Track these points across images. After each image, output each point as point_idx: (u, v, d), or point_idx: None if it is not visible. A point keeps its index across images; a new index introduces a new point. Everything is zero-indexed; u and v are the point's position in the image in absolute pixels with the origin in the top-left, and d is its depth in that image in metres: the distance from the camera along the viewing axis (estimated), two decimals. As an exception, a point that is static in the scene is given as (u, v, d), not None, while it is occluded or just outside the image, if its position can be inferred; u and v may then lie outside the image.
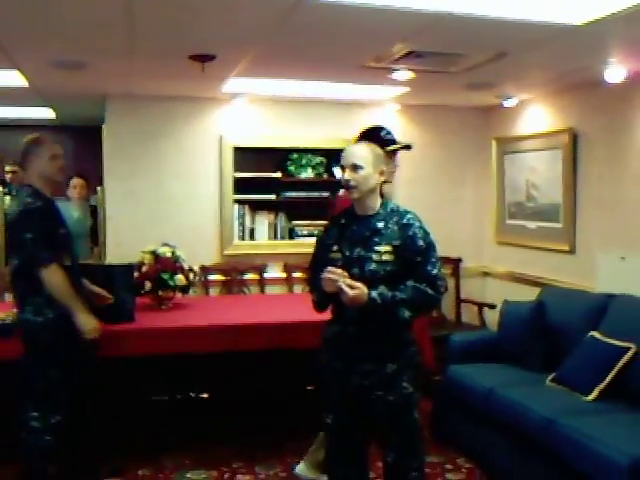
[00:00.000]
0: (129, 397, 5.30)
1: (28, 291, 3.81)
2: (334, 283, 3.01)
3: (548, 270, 5.93)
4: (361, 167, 3.14)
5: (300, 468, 4.11)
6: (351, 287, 2.98)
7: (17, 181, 6.75)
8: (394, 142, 3.88)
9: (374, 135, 3.75)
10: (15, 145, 8.05)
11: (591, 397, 4.03)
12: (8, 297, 5.66)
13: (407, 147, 3.96)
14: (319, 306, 3.32)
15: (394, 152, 3.88)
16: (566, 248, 5.70)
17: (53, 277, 3.73)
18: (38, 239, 3.73)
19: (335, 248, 3.20)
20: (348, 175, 3.14)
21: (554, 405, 3.96)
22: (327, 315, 3.30)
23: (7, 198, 6.14)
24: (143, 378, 5.21)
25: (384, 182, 3.31)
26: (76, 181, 6.75)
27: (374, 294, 3.01)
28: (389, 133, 3.90)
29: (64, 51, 4.43)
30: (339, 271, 3.03)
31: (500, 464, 4.21)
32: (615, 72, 4.68)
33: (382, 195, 3.26)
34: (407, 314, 3.10)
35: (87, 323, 3.81)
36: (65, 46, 4.30)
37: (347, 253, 3.15)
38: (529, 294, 5.48)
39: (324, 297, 3.20)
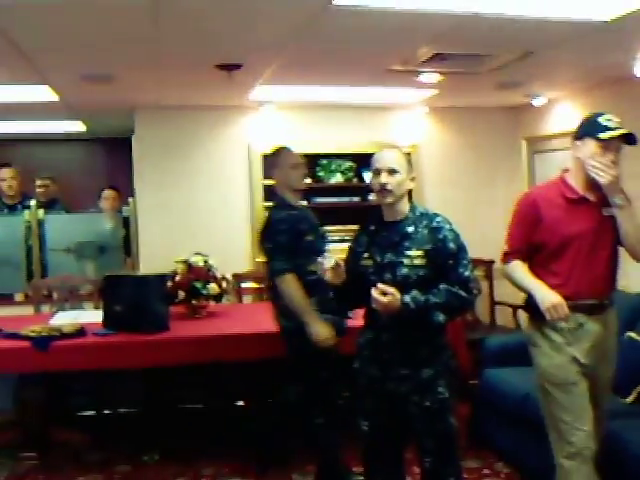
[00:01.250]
0: (166, 405, 5.36)
1: (278, 297, 4.01)
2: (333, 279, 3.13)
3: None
4: (397, 172, 3.12)
5: None
6: (384, 293, 2.98)
7: (47, 195, 6.83)
8: (613, 130, 3.24)
9: (592, 120, 3.30)
10: (46, 159, 8.24)
11: (630, 399, 3.98)
12: (44, 309, 5.74)
13: (629, 138, 3.26)
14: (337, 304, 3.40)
15: (613, 141, 3.24)
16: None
17: (286, 287, 3.90)
18: (274, 249, 3.95)
19: (366, 255, 3.19)
20: (385, 179, 3.12)
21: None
22: (360, 320, 3.31)
23: (40, 212, 6.20)
24: (180, 386, 5.28)
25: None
26: (108, 193, 6.85)
27: (407, 299, 3.00)
28: (610, 120, 3.27)
29: (92, 65, 4.49)
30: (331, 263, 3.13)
31: (539, 468, 4.17)
32: (645, 67, 4.63)
33: (411, 200, 3.24)
34: (441, 317, 3.09)
35: (320, 332, 3.83)
36: (93, 60, 4.35)
37: (378, 259, 3.15)
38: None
39: (339, 294, 3.28)
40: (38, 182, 6.95)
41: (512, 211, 3.52)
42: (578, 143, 3.32)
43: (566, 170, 3.42)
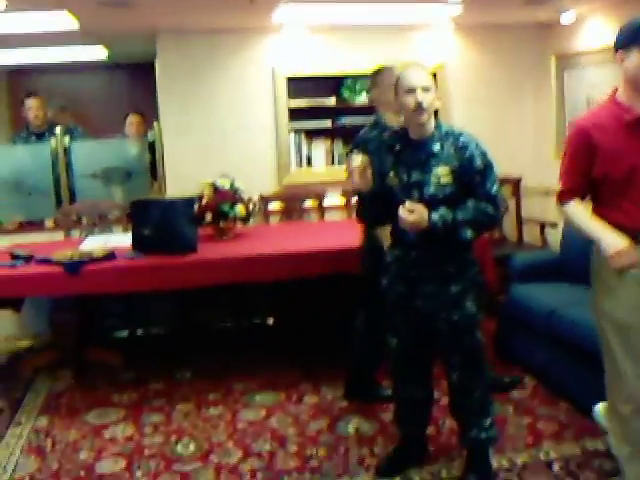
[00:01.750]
0: (197, 325, 5.49)
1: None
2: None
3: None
4: (431, 89, 3.10)
5: (597, 410, 3.53)
6: (410, 211, 2.99)
7: (62, 122, 6.77)
8: None
9: (636, 26, 2.85)
10: (69, 86, 8.22)
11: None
12: (73, 234, 5.82)
13: None
14: (361, 214, 3.46)
15: None
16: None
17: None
18: None
19: (392, 174, 3.19)
20: (421, 97, 3.07)
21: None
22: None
23: (66, 139, 6.22)
24: (209, 306, 5.39)
25: None
26: (132, 118, 6.85)
27: (435, 217, 3.02)
28: None
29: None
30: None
31: (565, 382, 4.23)
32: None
33: (436, 118, 3.22)
34: (469, 234, 3.12)
35: None
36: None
37: (404, 178, 3.16)
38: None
39: (366, 202, 3.31)
40: (49, 114, 6.90)
41: (564, 144, 3.15)
42: (621, 54, 2.90)
43: (615, 89, 3.01)
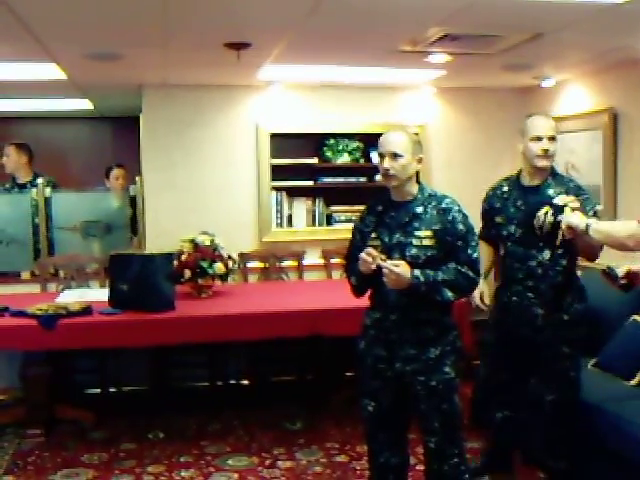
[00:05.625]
0: (171, 384, 5.40)
1: None
2: (369, 265, 3.02)
3: (589, 253, 5.83)
4: (401, 155, 3.12)
5: None
6: (394, 265, 3.00)
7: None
8: None
9: None
10: (53, 137, 8.20)
11: (634, 382, 3.98)
12: (50, 287, 5.76)
13: None
14: (358, 290, 3.33)
15: None
16: (607, 230, 5.58)
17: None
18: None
19: (373, 235, 3.20)
20: (387, 164, 3.12)
21: (596, 390, 3.92)
22: (366, 301, 3.30)
23: (48, 190, 6.17)
24: (184, 365, 5.32)
25: None
26: (117, 172, 6.86)
27: (417, 272, 3.03)
28: None
29: (100, 43, 4.46)
30: (375, 253, 3.03)
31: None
32: (657, 50, 4.58)
33: (419, 181, 3.24)
34: (450, 294, 3.11)
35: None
36: (101, 38, 4.32)
37: (386, 239, 3.16)
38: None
39: (362, 281, 3.22)
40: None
41: None
42: None
43: None
